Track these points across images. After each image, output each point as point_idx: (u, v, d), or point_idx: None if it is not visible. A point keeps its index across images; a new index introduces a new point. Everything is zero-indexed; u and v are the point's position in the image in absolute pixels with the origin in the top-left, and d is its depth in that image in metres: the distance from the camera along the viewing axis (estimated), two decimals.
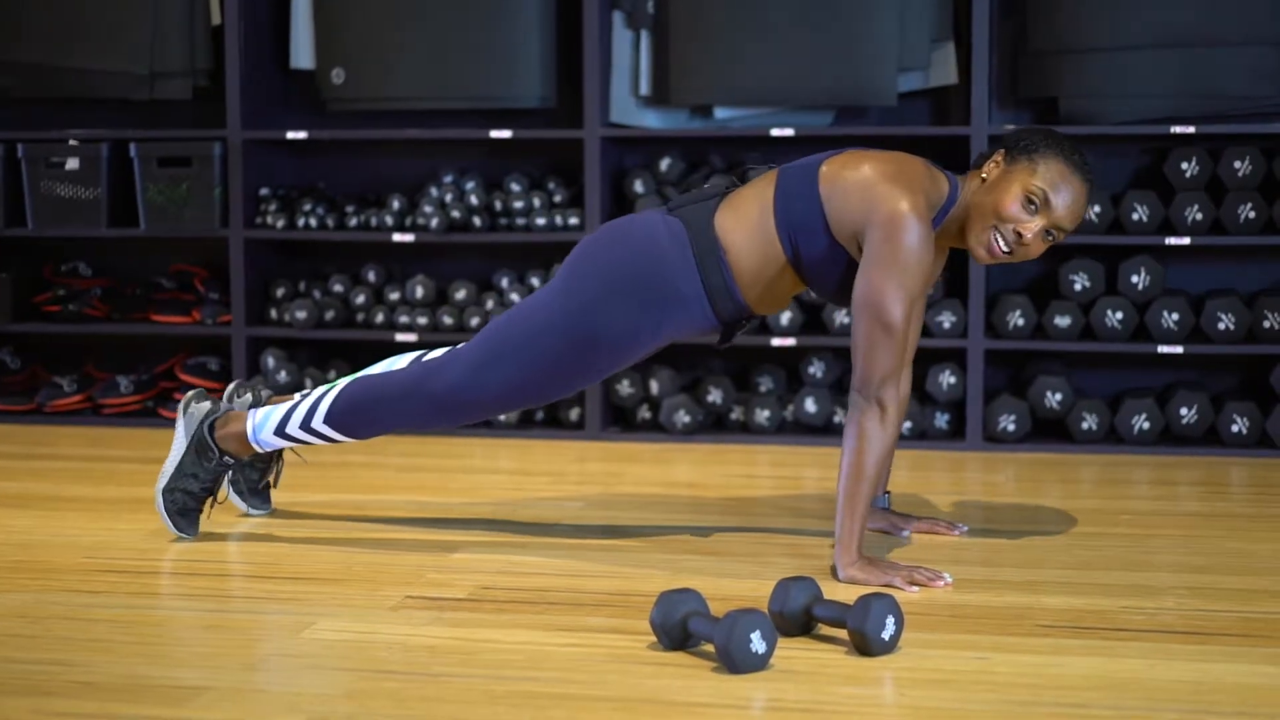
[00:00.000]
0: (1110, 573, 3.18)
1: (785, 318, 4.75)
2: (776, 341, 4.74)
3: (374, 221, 4.99)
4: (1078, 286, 4.65)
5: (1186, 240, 4.57)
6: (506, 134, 4.89)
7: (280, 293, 5.11)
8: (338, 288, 5.09)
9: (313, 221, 5.01)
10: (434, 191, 4.99)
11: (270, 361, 5.03)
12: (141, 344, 5.37)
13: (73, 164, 5.09)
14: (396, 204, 4.99)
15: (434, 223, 4.90)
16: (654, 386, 4.84)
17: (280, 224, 5.02)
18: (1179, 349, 4.58)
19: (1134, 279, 4.61)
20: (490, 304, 4.93)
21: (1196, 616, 2.87)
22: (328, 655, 2.64)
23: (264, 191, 5.11)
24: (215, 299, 5.17)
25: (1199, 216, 4.57)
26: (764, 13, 4.71)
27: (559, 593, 3.03)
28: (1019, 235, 3.10)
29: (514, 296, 4.94)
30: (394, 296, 5.03)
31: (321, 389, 3.46)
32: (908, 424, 4.69)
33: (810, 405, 4.74)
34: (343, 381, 3.45)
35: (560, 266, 3.34)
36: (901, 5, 4.68)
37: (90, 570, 3.22)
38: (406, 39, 4.94)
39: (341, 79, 5.01)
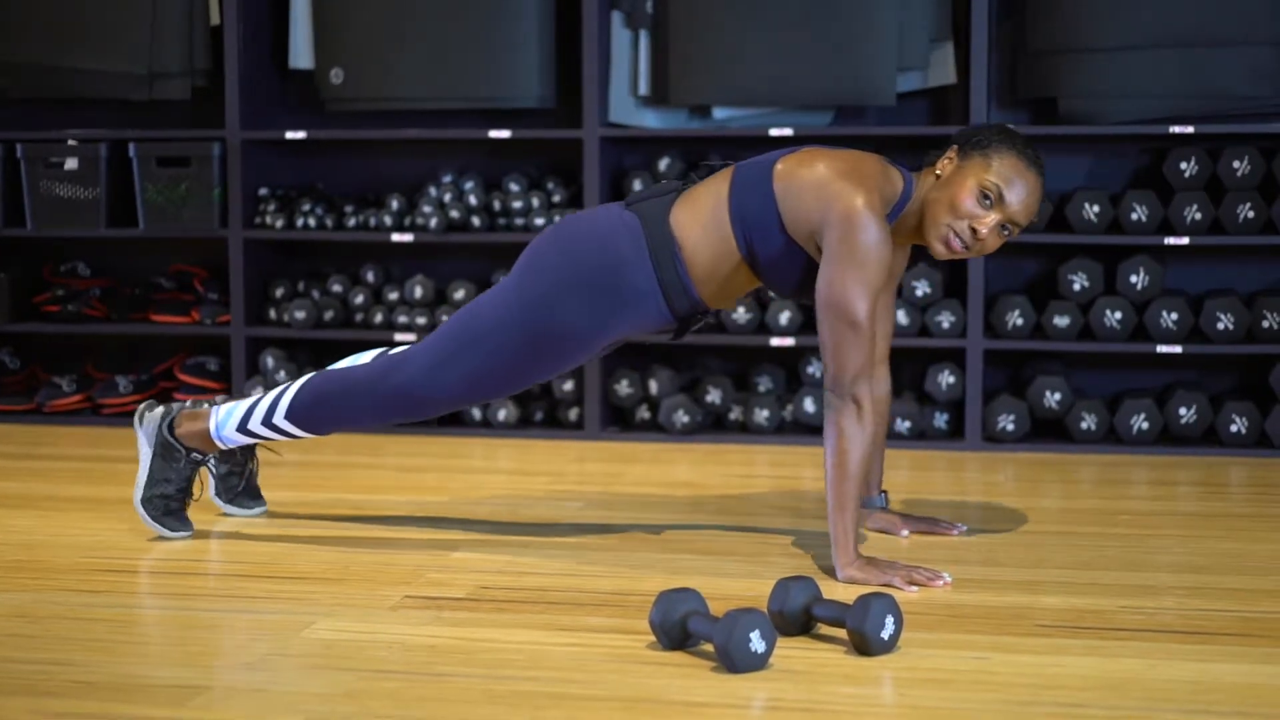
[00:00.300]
0: (1109, 572, 3.18)
1: (785, 318, 4.75)
2: (776, 341, 4.74)
3: (373, 221, 4.99)
4: (1077, 286, 4.65)
5: (1185, 240, 4.57)
6: (505, 134, 4.89)
7: (279, 293, 5.11)
8: (337, 288, 5.09)
9: (312, 221, 5.01)
10: (433, 191, 4.99)
11: (269, 361, 5.04)
12: (141, 344, 5.37)
13: (72, 164, 5.09)
14: (395, 204, 4.99)
15: (433, 223, 4.90)
16: (653, 386, 4.84)
17: (279, 224, 5.02)
18: (1178, 349, 4.58)
19: (1133, 279, 4.61)
20: None
21: (1195, 616, 2.87)
22: (327, 655, 2.64)
23: (263, 191, 5.11)
24: (214, 299, 5.17)
25: (1198, 216, 4.57)
26: (763, 13, 4.71)
27: (558, 592, 3.03)
28: (974, 231, 3.11)
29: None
30: (393, 296, 5.03)
31: (284, 385, 3.47)
32: (907, 423, 4.69)
33: (809, 405, 4.74)
34: (304, 377, 3.46)
35: (517, 260, 3.35)
36: (900, 5, 4.68)
37: (89, 570, 3.22)
38: (405, 39, 4.94)
39: (340, 79, 5.02)
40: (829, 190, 3.10)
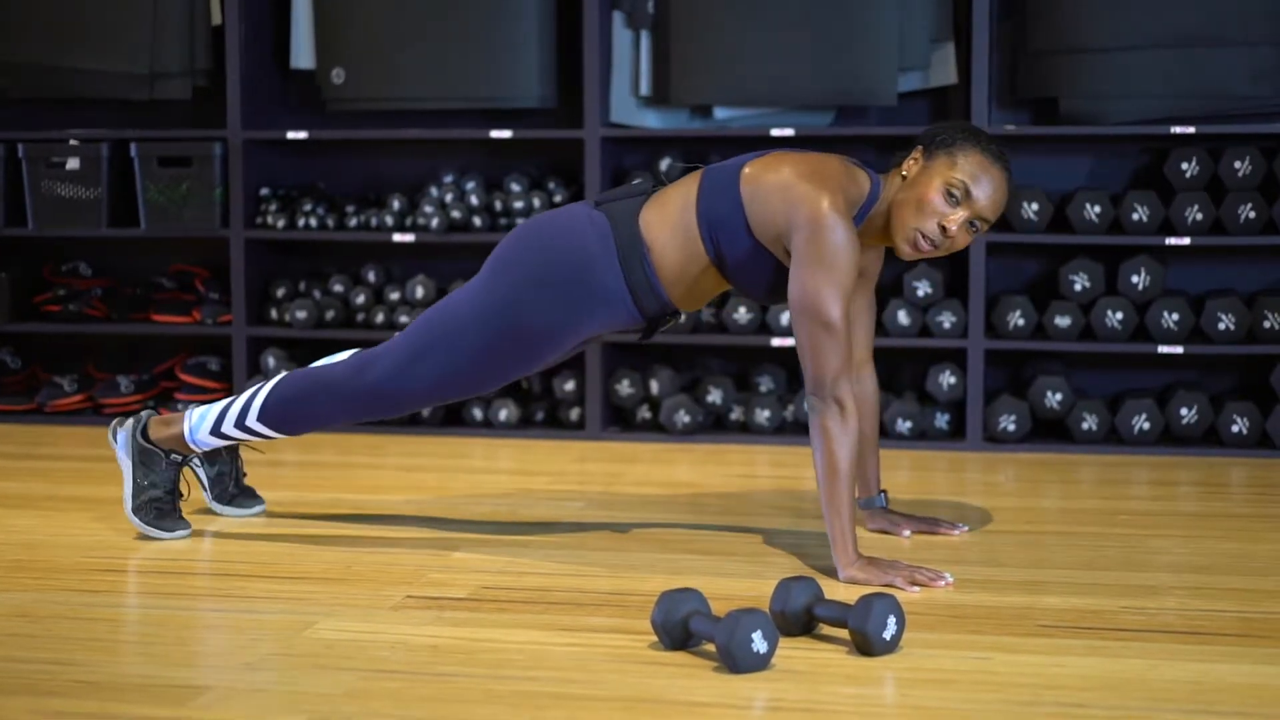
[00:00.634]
0: (1110, 573, 3.18)
1: (786, 318, 4.75)
2: (776, 342, 4.74)
3: (374, 221, 4.99)
4: (1078, 287, 4.65)
5: (1186, 240, 4.57)
6: (507, 134, 4.89)
7: (280, 293, 5.11)
8: (338, 288, 5.09)
9: (313, 221, 5.01)
10: (434, 191, 4.99)
11: (270, 361, 5.04)
12: (142, 344, 5.37)
13: (73, 164, 5.09)
14: (397, 204, 4.99)
15: (434, 223, 4.90)
16: (654, 387, 4.84)
17: (280, 224, 5.02)
18: (1179, 349, 4.58)
19: (1134, 279, 4.61)
20: None
21: (1197, 616, 2.87)
22: (329, 655, 2.65)
23: (264, 191, 5.11)
24: (215, 299, 5.17)
25: (1199, 216, 4.57)
26: (764, 13, 4.71)
27: (560, 592, 3.03)
28: (943, 229, 3.11)
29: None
30: (394, 296, 5.03)
31: (256, 387, 3.47)
32: (908, 424, 4.69)
33: (807, 405, 4.73)
34: (277, 378, 3.46)
35: (487, 259, 3.36)
36: (901, 5, 4.68)
37: (90, 570, 3.23)
38: (407, 39, 4.94)
39: (342, 79, 5.02)
40: (794, 193, 3.11)
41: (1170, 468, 4.43)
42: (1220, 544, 3.46)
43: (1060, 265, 4.72)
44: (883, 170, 3.27)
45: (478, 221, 4.92)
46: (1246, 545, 3.45)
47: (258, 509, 3.73)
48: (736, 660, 2.49)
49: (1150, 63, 4.59)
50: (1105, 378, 4.89)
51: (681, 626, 2.62)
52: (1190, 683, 2.49)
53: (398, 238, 4.93)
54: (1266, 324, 4.56)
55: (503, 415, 4.91)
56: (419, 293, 4.97)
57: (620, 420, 4.97)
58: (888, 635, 2.59)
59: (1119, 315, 4.61)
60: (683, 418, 4.78)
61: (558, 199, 4.94)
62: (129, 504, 3.47)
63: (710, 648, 2.62)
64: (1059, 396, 4.65)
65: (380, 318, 5.01)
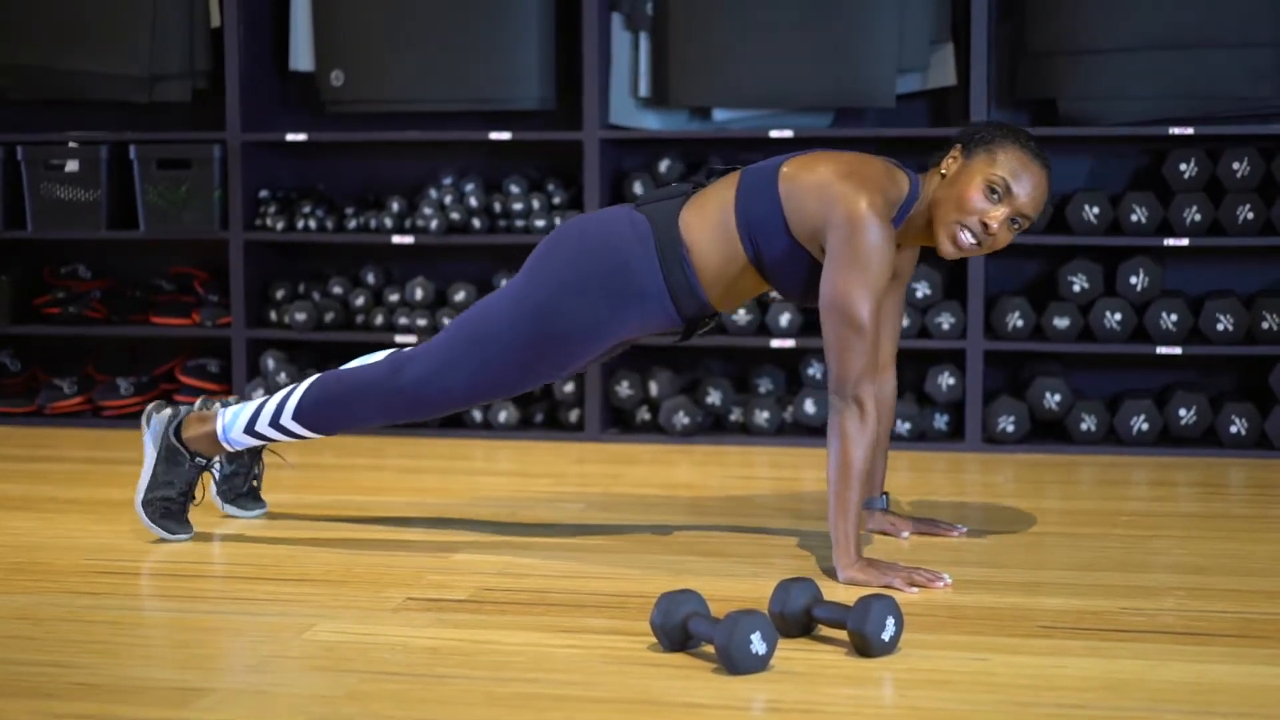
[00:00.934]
0: (1109, 573, 3.18)
1: (784, 319, 4.76)
2: (776, 343, 4.75)
3: (373, 223, 4.99)
4: (1076, 288, 4.65)
5: (1185, 241, 4.58)
6: (506, 136, 4.90)
7: (280, 295, 5.12)
8: (337, 289, 5.09)
9: (312, 223, 5.01)
10: (433, 193, 4.99)
11: (270, 363, 5.04)
12: (141, 346, 5.37)
13: (72, 166, 5.10)
14: (396, 206, 4.99)
15: (433, 224, 4.90)
16: (653, 388, 4.85)
17: (280, 226, 5.02)
18: (1178, 350, 4.59)
19: (1133, 280, 4.61)
20: None
21: (1196, 617, 2.88)
22: (329, 657, 2.65)
23: (263, 193, 5.11)
24: (215, 301, 5.17)
25: (1197, 218, 4.58)
26: (762, 14, 4.72)
27: (559, 594, 3.04)
28: (985, 225, 3.12)
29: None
30: (393, 298, 5.04)
31: (291, 386, 3.47)
32: (907, 425, 4.70)
33: (809, 406, 4.74)
34: (313, 378, 3.46)
35: (526, 260, 3.36)
36: (900, 7, 4.69)
37: (91, 572, 3.23)
38: (406, 41, 4.94)
39: (341, 81, 5.02)
40: (832, 192, 3.11)
41: (1169, 468, 4.43)
42: (1219, 545, 3.46)
43: (1059, 266, 4.72)
44: (921, 170, 3.27)
45: (477, 223, 4.92)
46: (1245, 546, 3.45)
47: (258, 512, 3.73)
48: (735, 661, 2.50)
49: (1149, 64, 4.60)
50: (1104, 378, 4.89)
51: (680, 628, 2.62)
52: (1189, 683, 2.49)
53: (397, 239, 4.94)
54: (1265, 325, 4.57)
55: (502, 417, 4.91)
56: (418, 294, 4.97)
57: (620, 422, 4.98)
58: (886, 636, 2.60)
59: (1118, 316, 4.61)
60: (682, 419, 4.78)
61: (557, 200, 4.95)
62: (141, 494, 3.46)
63: (709, 649, 2.62)
64: (1058, 397, 4.65)
65: (379, 319, 5.01)
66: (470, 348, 3.30)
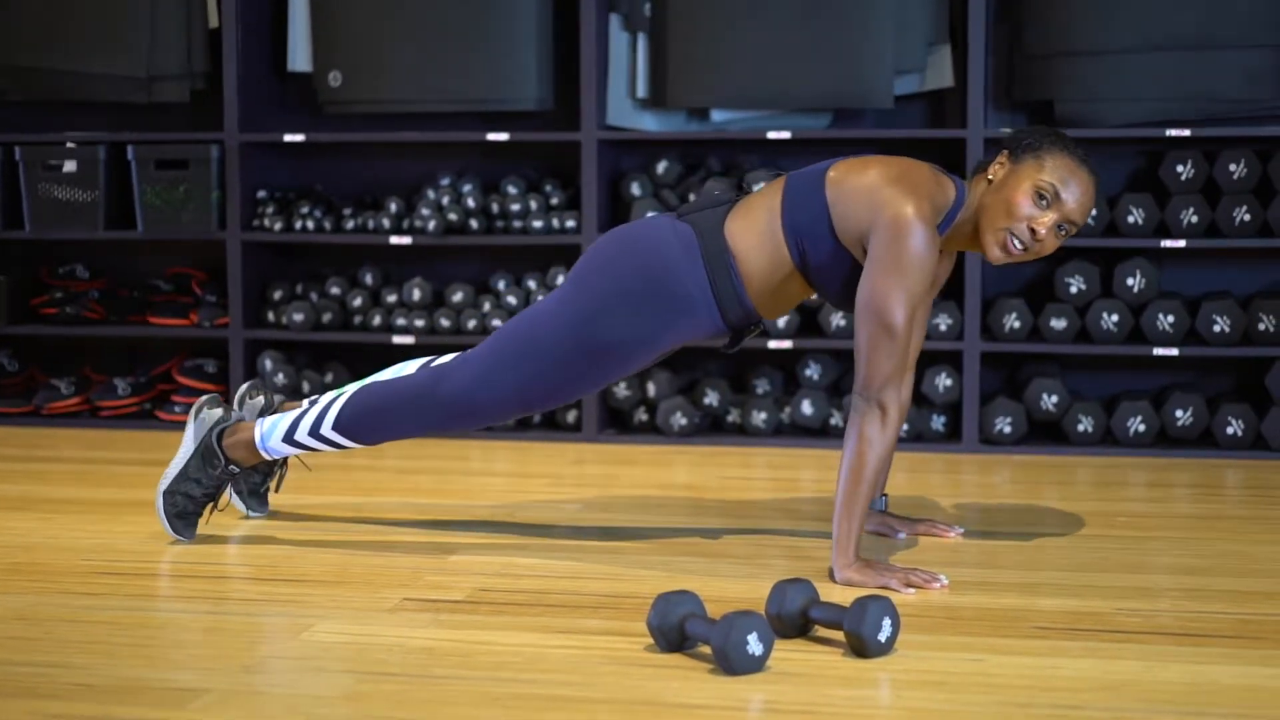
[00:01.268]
0: (1106, 574, 3.19)
1: (782, 320, 4.76)
2: (773, 344, 4.75)
3: (371, 224, 4.99)
4: (1073, 289, 4.66)
5: (1182, 243, 4.58)
6: (503, 136, 4.90)
7: (277, 295, 5.12)
8: (335, 290, 5.09)
9: (310, 224, 5.01)
10: (431, 194, 4.99)
11: (268, 364, 5.04)
12: (139, 346, 5.37)
13: (70, 166, 5.10)
14: (394, 206, 5.00)
15: (431, 225, 4.90)
16: (651, 389, 4.85)
17: (278, 226, 5.03)
18: (1174, 351, 4.59)
19: (1129, 281, 4.62)
20: (487, 306, 4.94)
21: (1192, 618, 2.88)
22: (326, 657, 2.65)
23: (261, 194, 5.11)
24: (213, 301, 5.17)
25: (1194, 219, 4.58)
26: (761, 15, 4.72)
27: (557, 595, 3.04)
28: (1033, 231, 3.12)
29: (511, 299, 4.94)
30: (391, 299, 5.04)
31: (330, 395, 3.48)
32: (904, 425, 4.70)
33: (807, 407, 4.75)
34: (351, 388, 3.47)
35: (569, 271, 3.36)
36: (897, 8, 4.69)
37: (89, 572, 3.23)
38: (403, 41, 4.94)
39: (339, 81, 5.02)
40: (880, 196, 3.11)
41: (1166, 469, 4.44)
42: (1215, 546, 3.47)
43: (1056, 267, 4.73)
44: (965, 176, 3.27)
45: (474, 224, 4.92)
46: (1242, 547, 3.46)
47: (261, 514, 3.73)
48: (732, 662, 2.50)
49: (1146, 66, 4.60)
50: (1101, 380, 4.90)
51: (677, 629, 2.62)
52: (1185, 684, 2.49)
53: (395, 240, 4.94)
54: (1261, 326, 4.57)
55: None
56: (416, 295, 4.97)
57: (617, 422, 4.98)
58: (883, 637, 2.60)
59: (1114, 317, 4.62)
60: (680, 420, 4.79)
61: (555, 201, 4.95)
62: (165, 482, 3.45)
63: (706, 650, 2.63)
64: (1055, 398, 4.66)
65: (377, 320, 5.01)
66: (515, 359, 3.29)
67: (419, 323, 4.95)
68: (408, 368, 3.54)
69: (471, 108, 4.98)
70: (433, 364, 3.46)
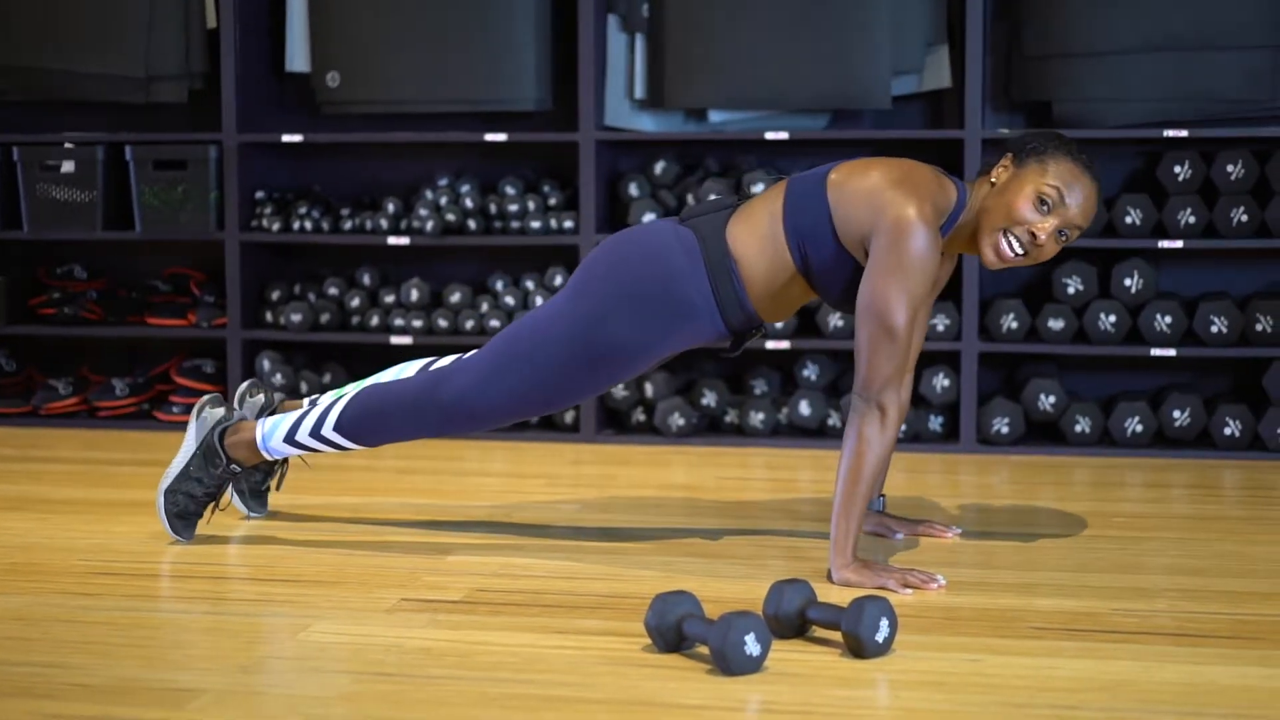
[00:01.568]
0: (1103, 575, 3.19)
1: (778, 321, 4.76)
2: (771, 345, 4.75)
3: (369, 224, 4.99)
4: (1071, 289, 4.66)
5: (1179, 243, 4.58)
6: (502, 137, 4.90)
7: (275, 295, 5.12)
8: (333, 290, 5.09)
9: (308, 224, 5.01)
10: (429, 194, 4.99)
11: (265, 364, 5.04)
12: (137, 347, 5.37)
13: (68, 167, 5.10)
14: (392, 207, 5.00)
15: (429, 226, 4.90)
16: (649, 389, 4.85)
17: (276, 227, 5.03)
18: (1172, 352, 4.59)
19: (1127, 282, 4.62)
20: (485, 307, 4.94)
21: (1189, 619, 2.88)
22: (324, 658, 2.65)
23: (259, 194, 5.11)
24: (211, 302, 5.17)
25: (1192, 220, 4.58)
26: (758, 16, 4.72)
27: (554, 595, 3.04)
28: (1033, 236, 3.12)
29: (509, 300, 4.94)
30: (389, 299, 5.04)
31: (332, 396, 3.48)
32: (902, 426, 4.69)
33: (804, 408, 4.75)
34: (352, 389, 3.47)
35: (571, 275, 3.36)
36: (895, 9, 4.69)
37: (86, 573, 3.23)
38: (402, 42, 4.94)
39: (337, 82, 5.02)
40: (881, 199, 3.11)
41: (1163, 470, 4.44)
42: (1213, 546, 3.47)
43: (1053, 268, 4.73)
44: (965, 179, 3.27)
45: (472, 224, 4.93)
46: (1239, 547, 3.46)
47: (260, 514, 3.73)
48: (730, 663, 2.50)
49: (1143, 66, 4.60)
50: (1098, 380, 4.90)
51: (675, 629, 2.62)
52: (1182, 684, 2.49)
53: (393, 240, 4.94)
54: (1259, 327, 4.57)
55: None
56: (414, 296, 4.97)
57: (615, 423, 4.98)
58: (880, 638, 2.60)
59: (1112, 318, 4.62)
60: (677, 420, 4.79)
61: (553, 202, 4.95)
62: (167, 480, 3.45)
63: (704, 650, 2.63)
64: (1052, 399, 4.66)
65: (375, 320, 5.01)
66: (516, 363, 3.29)
67: (417, 323, 4.95)
68: (408, 370, 3.54)
69: (469, 108, 4.98)
70: (432, 367, 3.47)
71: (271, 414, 3.56)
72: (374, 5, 4.96)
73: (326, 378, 5.05)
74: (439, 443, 4.83)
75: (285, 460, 3.68)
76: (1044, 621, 2.84)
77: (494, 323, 4.89)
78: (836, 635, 2.70)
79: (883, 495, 3.59)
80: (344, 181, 5.27)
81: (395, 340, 4.95)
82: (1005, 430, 4.66)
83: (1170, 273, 4.83)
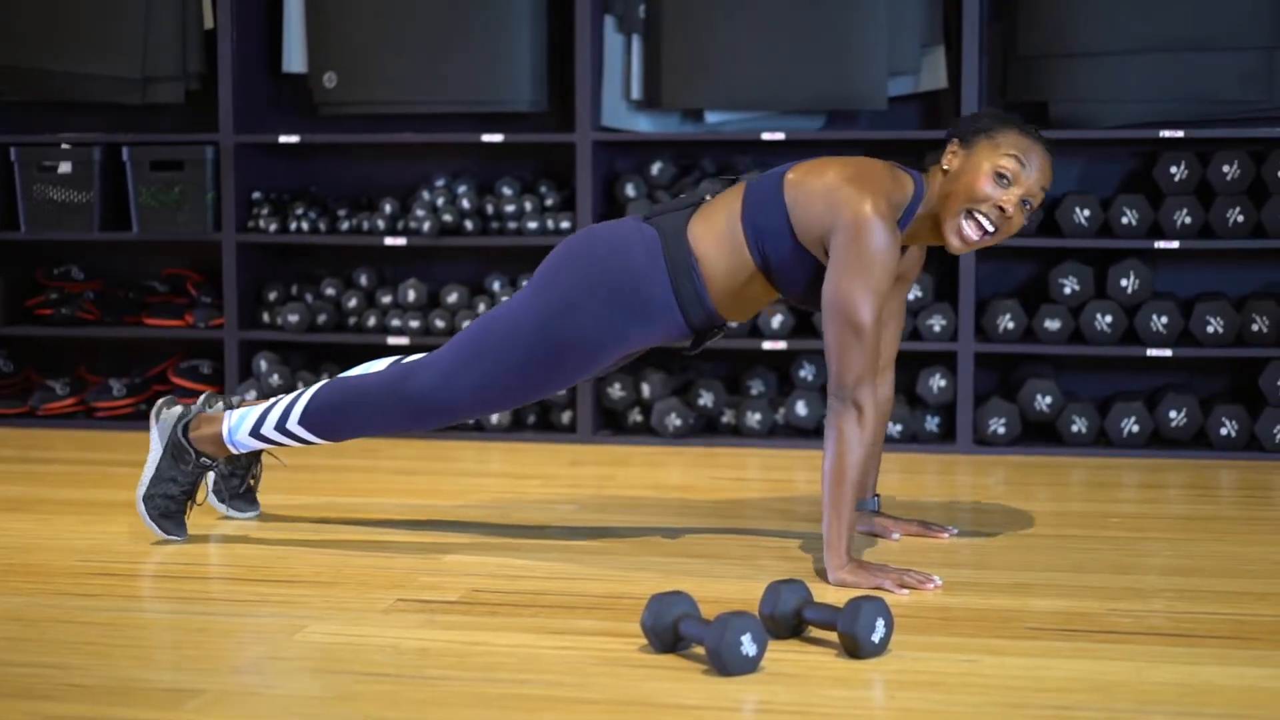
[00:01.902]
0: (1099, 575, 3.19)
1: (776, 321, 4.77)
2: (768, 345, 4.76)
3: (366, 225, 5.00)
4: (1067, 290, 4.66)
5: (1175, 244, 4.59)
6: (498, 138, 4.90)
7: (272, 296, 5.12)
8: (330, 291, 5.09)
9: (305, 225, 5.02)
10: (426, 195, 5.00)
11: (263, 365, 5.04)
12: (134, 347, 5.37)
13: (65, 167, 5.10)
14: (389, 207, 5.00)
15: (426, 226, 4.90)
16: (645, 390, 4.85)
17: (273, 227, 5.03)
18: (1168, 352, 4.60)
19: (1123, 282, 4.62)
20: (482, 307, 4.94)
21: (1185, 619, 2.89)
22: (320, 658, 2.65)
23: (256, 195, 5.11)
24: (208, 302, 5.17)
25: (1188, 220, 4.59)
26: (755, 17, 4.73)
27: (551, 595, 3.04)
28: (1001, 210, 3.14)
29: (506, 300, 4.95)
30: (386, 300, 5.04)
31: (297, 391, 3.48)
32: (898, 426, 4.70)
33: (801, 408, 4.75)
34: (320, 384, 3.47)
35: (535, 271, 3.37)
36: (891, 9, 4.70)
37: (83, 573, 3.23)
38: (399, 42, 4.95)
39: (334, 83, 5.02)
40: (837, 196, 3.13)
41: (1159, 470, 4.44)
42: (1209, 546, 3.47)
43: (1050, 268, 4.73)
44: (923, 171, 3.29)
45: (469, 225, 4.93)
46: (1235, 548, 3.47)
47: (252, 514, 3.73)
48: (726, 663, 2.50)
49: (1139, 67, 4.61)
50: (1095, 380, 4.91)
51: (671, 629, 2.63)
52: (1178, 685, 2.50)
53: (390, 241, 4.94)
54: (1255, 327, 4.58)
55: (494, 418, 4.91)
56: (411, 296, 4.97)
57: (612, 423, 4.98)
58: (876, 638, 2.61)
59: (1108, 318, 4.62)
60: (674, 421, 4.79)
61: (549, 202, 4.95)
62: (143, 488, 3.46)
63: (700, 651, 2.63)
64: (1048, 399, 4.66)
65: (372, 321, 5.02)
66: (478, 357, 3.30)
67: (414, 324, 4.95)
68: (375, 365, 3.54)
69: (467, 109, 4.98)
70: (401, 362, 3.47)
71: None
72: (371, 6, 4.96)
73: (323, 378, 5.04)
74: (435, 443, 4.83)
75: (258, 458, 3.69)
76: (1040, 622, 2.85)
77: None
78: (832, 635, 2.70)
79: (877, 495, 3.59)
80: (341, 182, 5.28)
81: (392, 341, 4.95)
82: (1001, 430, 4.66)
83: (1166, 273, 4.83)
